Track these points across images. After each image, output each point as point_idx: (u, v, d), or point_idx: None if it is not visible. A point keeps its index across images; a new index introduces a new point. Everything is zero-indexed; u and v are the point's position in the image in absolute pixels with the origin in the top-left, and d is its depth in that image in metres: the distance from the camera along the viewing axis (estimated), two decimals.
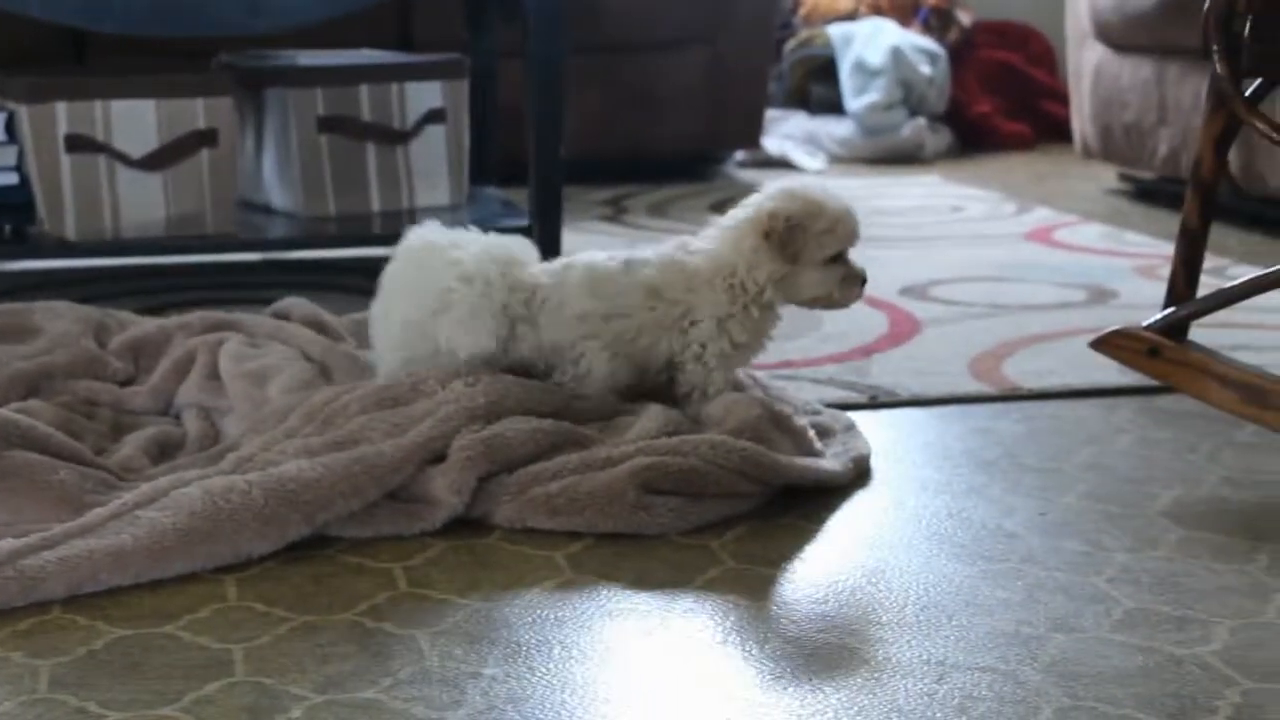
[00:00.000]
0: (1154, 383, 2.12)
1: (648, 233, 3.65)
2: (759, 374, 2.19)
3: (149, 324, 2.31)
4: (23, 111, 2.78)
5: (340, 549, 1.72)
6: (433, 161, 3.12)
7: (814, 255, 1.97)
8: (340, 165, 3.05)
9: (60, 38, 4.01)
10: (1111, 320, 2.36)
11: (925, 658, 1.45)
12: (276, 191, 3.09)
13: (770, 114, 4.85)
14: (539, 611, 1.55)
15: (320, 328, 2.30)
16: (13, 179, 2.81)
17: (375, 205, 3.09)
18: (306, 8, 2.79)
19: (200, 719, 1.33)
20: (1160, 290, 2.10)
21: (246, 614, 1.55)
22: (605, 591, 1.61)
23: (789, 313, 2.75)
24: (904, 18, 5.26)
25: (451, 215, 3.06)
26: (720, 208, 3.98)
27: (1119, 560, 1.68)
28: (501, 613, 1.55)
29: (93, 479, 1.79)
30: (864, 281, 2.02)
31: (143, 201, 2.83)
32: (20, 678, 1.41)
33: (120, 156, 2.80)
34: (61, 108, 2.76)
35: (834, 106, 5.09)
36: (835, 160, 4.93)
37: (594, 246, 3.39)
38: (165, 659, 1.45)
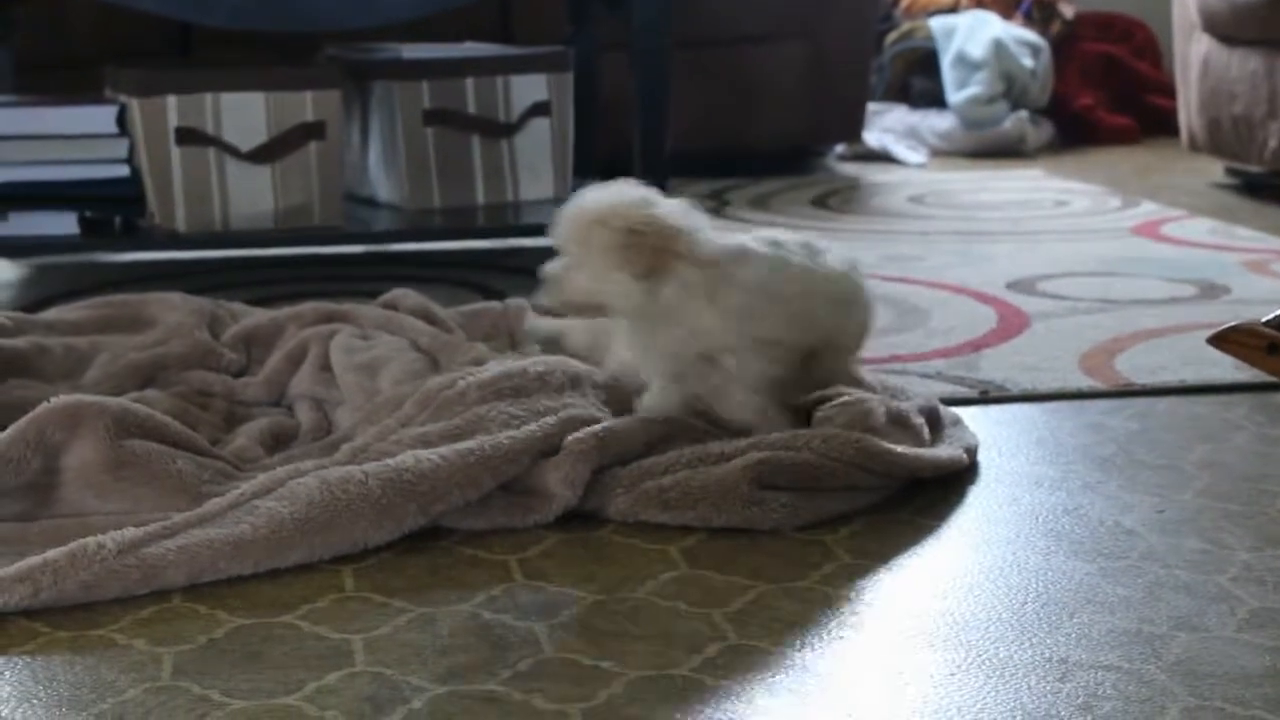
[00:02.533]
0: (1271, 379, 2.09)
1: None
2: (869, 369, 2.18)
3: (261, 315, 2.33)
4: (134, 105, 2.80)
5: (455, 540, 1.72)
6: (537, 154, 3.13)
7: None
8: (445, 158, 3.06)
9: (166, 31, 4.05)
10: (1223, 316, 2.33)
11: (1047, 656, 1.43)
12: (382, 184, 3.11)
13: (871, 107, 4.83)
14: (656, 605, 1.55)
15: (429, 318, 2.31)
16: (124, 171, 2.83)
17: (480, 198, 3.10)
18: (415, 3, 2.80)
19: (322, 709, 1.34)
20: (1272, 286, 2.07)
21: (364, 604, 1.56)
22: (723, 585, 1.60)
23: (895, 308, 2.75)
24: (1006, 10, 5.22)
25: (556, 209, 3.06)
26: (822, 201, 3.98)
27: (1241, 559, 1.65)
28: (619, 605, 1.55)
29: (210, 469, 1.80)
30: None
31: (251, 194, 2.85)
32: (144, 665, 1.42)
33: (230, 149, 2.82)
34: (172, 101, 2.79)
35: (935, 100, 5.06)
36: (936, 154, 4.90)
37: None
38: (285, 648, 1.46)
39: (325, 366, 2.14)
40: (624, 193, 1.88)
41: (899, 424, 1.92)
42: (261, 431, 1.99)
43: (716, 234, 1.94)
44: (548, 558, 1.68)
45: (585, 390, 1.95)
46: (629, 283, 1.83)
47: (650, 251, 1.82)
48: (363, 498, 1.68)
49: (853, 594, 1.58)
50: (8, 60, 3.25)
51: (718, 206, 3.92)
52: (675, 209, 1.88)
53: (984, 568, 1.64)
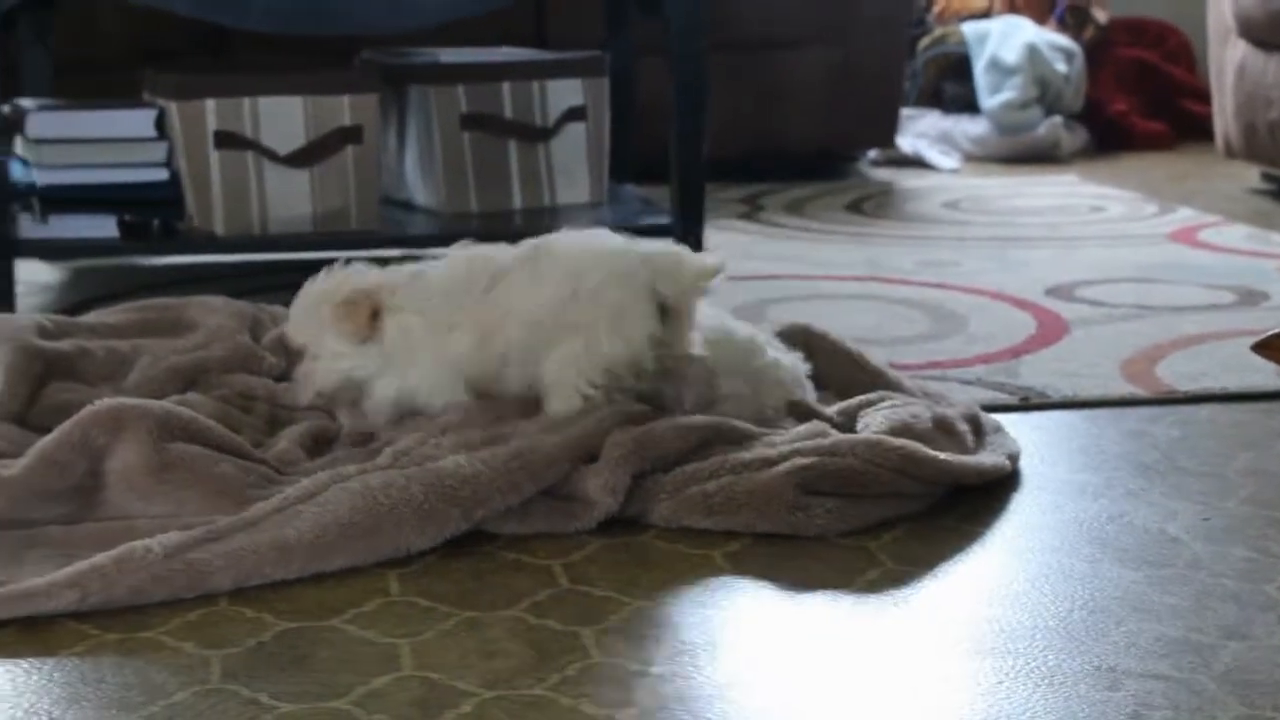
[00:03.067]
0: None
1: (785, 230, 3.64)
2: (907, 375, 2.18)
3: None
4: (173, 108, 2.81)
5: (498, 545, 1.72)
6: (573, 159, 3.13)
7: None
8: (482, 162, 3.06)
9: (199, 33, 4.06)
10: (1263, 323, 2.33)
11: (1096, 664, 1.42)
12: (419, 188, 3.11)
13: (903, 112, 4.81)
14: (702, 611, 1.55)
15: None
16: (162, 175, 2.83)
17: (516, 202, 3.10)
18: (449, 6, 2.81)
19: (371, 713, 1.34)
20: None
21: (410, 609, 1.56)
22: (767, 592, 1.60)
23: (933, 314, 2.75)
24: (1039, 15, 5.21)
25: (592, 213, 3.07)
26: (857, 206, 3.98)
27: None
28: (664, 611, 1.55)
29: (254, 473, 1.81)
30: None
31: (289, 197, 2.86)
32: (192, 668, 1.43)
33: (268, 153, 2.83)
34: (211, 105, 2.80)
35: (968, 105, 5.04)
36: (969, 159, 4.89)
37: (733, 245, 3.41)
38: (332, 652, 1.46)
39: None
40: (333, 276, 1.99)
41: (943, 430, 1.91)
42: (302, 435, 1.99)
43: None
44: (591, 563, 1.68)
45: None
46: (357, 348, 1.96)
47: (366, 312, 1.94)
48: (405, 503, 1.68)
49: (899, 600, 1.58)
50: (45, 62, 3.26)
51: (751, 211, 3.91)
52: (386, 273, 1.99)
53: (1029, 575, 1.64)
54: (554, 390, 1.90)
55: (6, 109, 2.82)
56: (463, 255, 2.01)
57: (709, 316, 1.98)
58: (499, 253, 2.00)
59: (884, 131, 4.56)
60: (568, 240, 1.99)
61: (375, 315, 1.95)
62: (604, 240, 1.99)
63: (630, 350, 1.89)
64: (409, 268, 2.02)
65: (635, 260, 1.93)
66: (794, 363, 2.03)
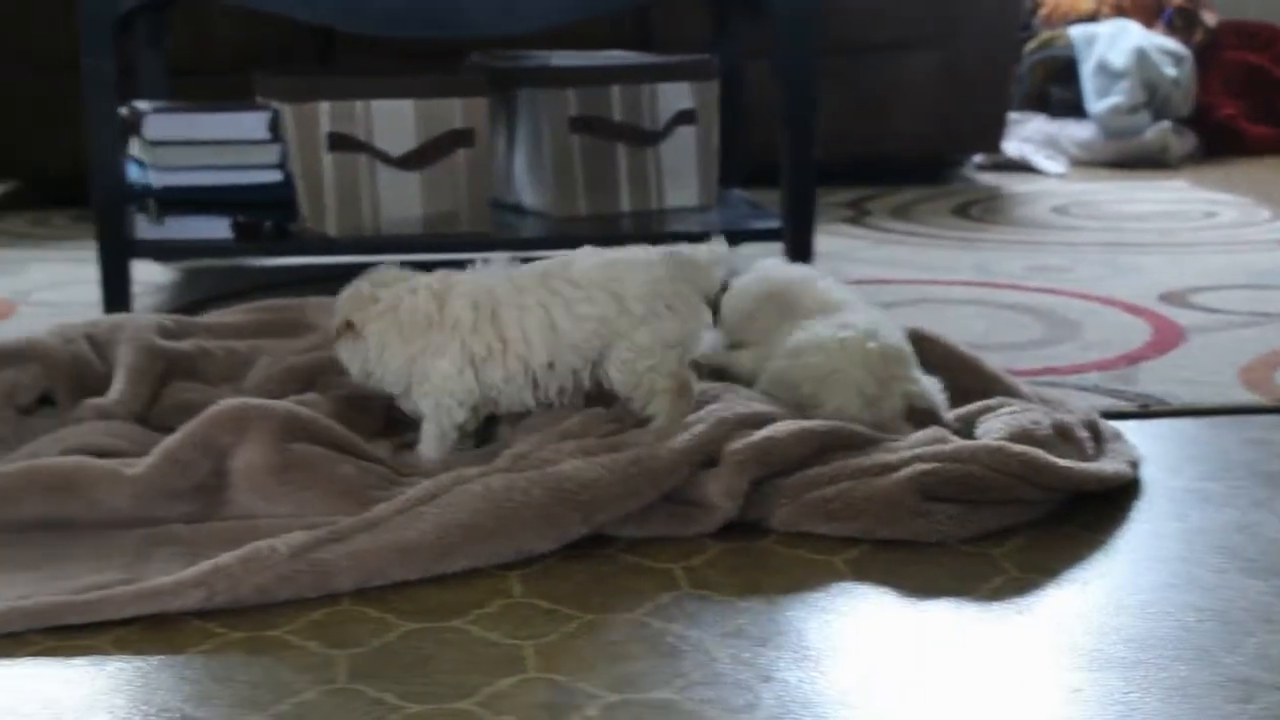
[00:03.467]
0: None
1: (892, 235, 3.62)
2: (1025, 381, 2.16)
3: None
4: (287, 111, 2.83)
5: (619, 548, 1.72)
6: (682, 162, 3.13)
7: None
8: (591, 165, 3.07)
9: (309, 37, 4.10)
10: None
11: (1228, 676, 1.40)
12: (528, 191, 3.12)
13: (1009, 116, 4.78)
14: (825, 616, 1.54)
15: None
16: (276, 176, 2.86)
17: (625, 205, 3.10)
18: (560, 9, 2.81)
19: (498, 714, 1.34)
20: None
21: (533, 611, 1.56)
22: (889, 598, 1.59)
23: (1045, 320, 2.73)
24: (1148, 18, 5.16)
25: (701, 217, 3.07)
26: (964, 211, 3.95)
27: None
28: (787, 616, 1.54)
29: (374, 473, 1.82)
30: None
31: (401, 199, 2.87)
32: (319, 667, 1.44)
33: (380, 155, 2.84)
34: (324, 107, 2.82)
35: (1075, 109, 5.00)
36: (1075, 164, 4.85)
37: (840, 249, 3.40)
38: (457, 653, 1.46)
39: None
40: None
41: (1063, 437, 1.89)
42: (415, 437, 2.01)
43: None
44: (712, 567, 1.67)
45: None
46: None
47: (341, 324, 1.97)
48: (527, 505, 1.69)
49: (1023, 608, 1.56)
50: (159, 64, 3.30)
51: (857, 215, 3.90)
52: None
53: (1155, 584, 1.62)
54: (633, 390, 1.90)
55: (124, 111, 2.85)
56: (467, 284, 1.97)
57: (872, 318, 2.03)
58: (498, 284, 1.95)
59: (991, 136, 4.53)
60: (584, 261, 1.96)
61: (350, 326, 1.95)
62: (621, 254, 1.97)
63: (690, 329, 1.91)
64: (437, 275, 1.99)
65: (665, 262, 1.94)
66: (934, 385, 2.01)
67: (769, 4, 2.82)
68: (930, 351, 2.15)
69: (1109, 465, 1.88)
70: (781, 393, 1.99)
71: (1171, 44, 5.01)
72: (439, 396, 1.91)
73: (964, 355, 2.16)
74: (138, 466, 1.76)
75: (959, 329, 2.57)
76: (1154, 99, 4.88)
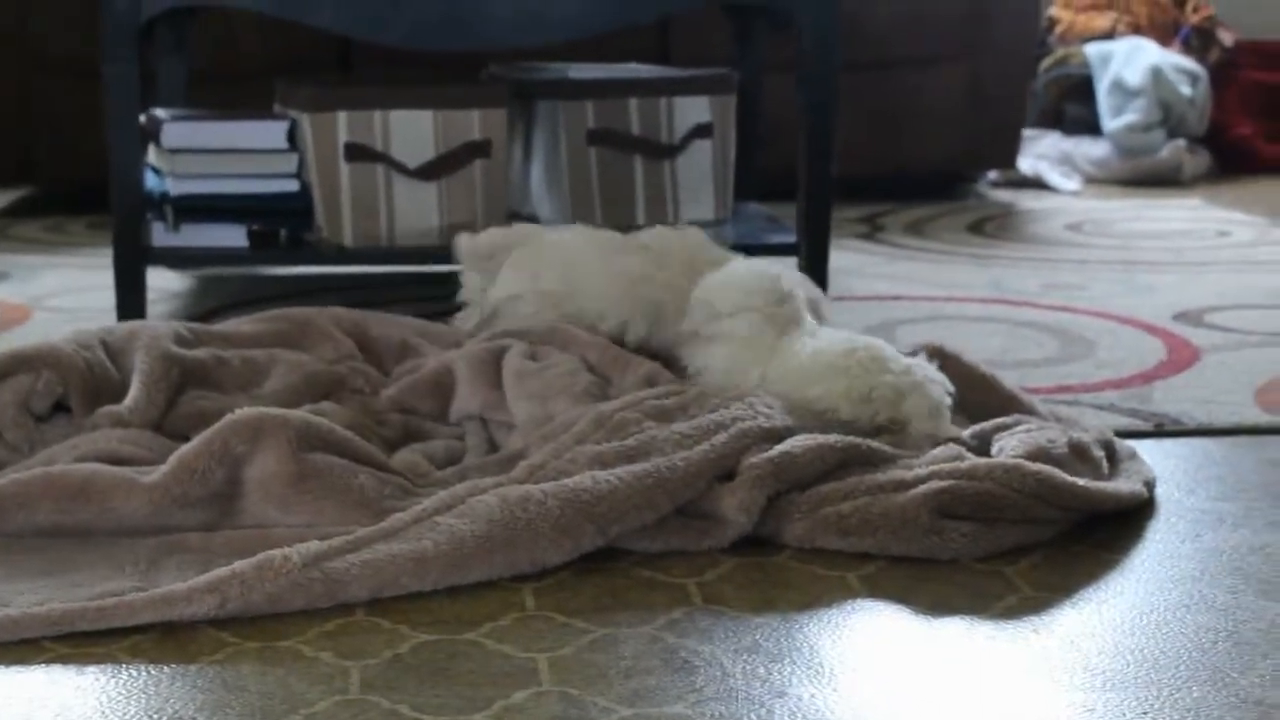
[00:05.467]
0: None
1: (906, 251, 3.62)
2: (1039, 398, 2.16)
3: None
4: (305, 120, 2.84)
5: (632, 561, 1.72)
6: (698, 176, 3.13)
7: None
8: (608, 178, 3.07)
9: (328, 45, 4.10)
10: None
11: (1243, 697, 1.40)
12: (544, 202, 3.12)
13: (1024, 133, 4.78)
14: (839, 632, 1.54)
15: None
16: (293, 186, 2.87)
17: (641, 219, 3.10)
18: (582, 22, 2.81)
19: None
20: None
21: (546, 623, 1.56)
22: (904, 615, 1.59)
23: (1060, 337, 2.72)
24: (1164, 37, 5.16)
25: (716, 231, 3.06)
26: (978, 227, 3.95)
27: None
28: (801, 632, 1.54)
29: (390, 484, 1.82)
30: None
31: (417, 210, 2.87)
32: (332, 678, 1.44)
33: (397, 166, 2.85)
34: (342, 117, 2.82)
35: (1089, 127, 5.00)
36: (1090, 181, 4.85)
37: (855, 265, 3.40)
38: (471, 665, 1.46)
39: (496, 385, 2.14)
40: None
41: (1079, 456, 1.89)
42: (431, 449, 2.01)
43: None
44: (726, 582, 1.67)
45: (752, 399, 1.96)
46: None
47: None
48: (542, 517, 1.69)
49: (1038, 627, 1.56)
50: (180, 71, 3.31)
51: (871, 231, 3.90)
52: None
53: (1169, 605, 1.61)
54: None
55: (143, 119, 2.86)
56: None
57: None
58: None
59: (1006, 152, 4.53)
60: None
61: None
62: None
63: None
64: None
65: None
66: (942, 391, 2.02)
67: (793, 19, 2.82)
68: (949, 369, 2.15)
69: (1124, 485, 1.88)
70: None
71: (1187, 63, 5.01)
72: None
73: (982, 373, 2.16)
74: (153, 474, 1.77)
75: (975, 346, 2.57)
76: (1169, 117, 4.88)
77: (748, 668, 1.46)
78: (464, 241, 2.45)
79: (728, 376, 2.05)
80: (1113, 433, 2.07)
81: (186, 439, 1.86)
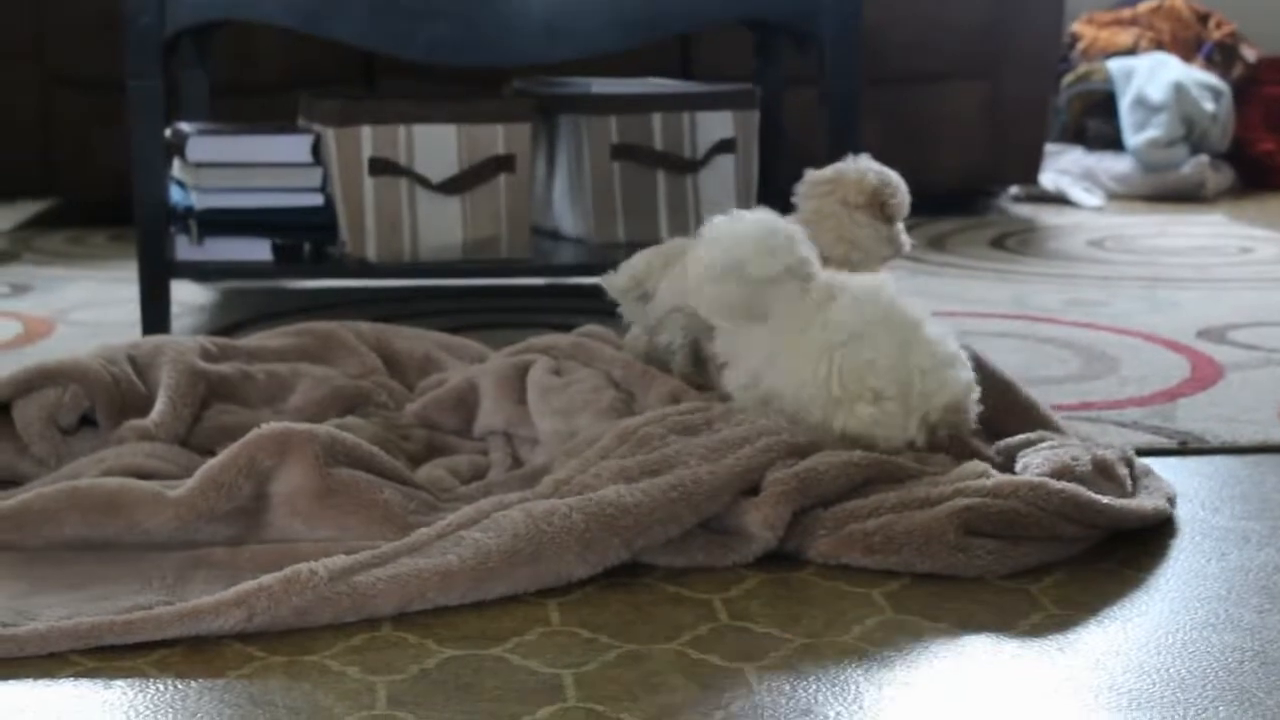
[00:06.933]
0: None
1: (928, 266, 3.62)
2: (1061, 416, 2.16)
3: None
4: (329, 135, 2.85)
5: (657, 577, 1.72)
6: (721, 191, 3.13)
7: None
8: (631, 193, 3.07)
9: (351, 59, 4.11)
10: None
11: (1269, 717, 1.40)
12: (567, 217, 3.13)
13: (1046, 148, 4.78)
14: (865, 650, 1.54)
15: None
16: (317, 200, 2.87)
17: (664, 233, 3.10)
18: (605, 37, 2.82)
19: None
20: None
21: (571, 639, 1.56)
22: (929, 632, 1.59)
23: (1083, 354, 2.72)
24: (1186, 53, 5.15)
25: None
26: (1000, 243, 3.95)
27: None
28: (826, 649, 1.54)
29: (415, 499, 1.82)
30: None
31: (441, 225, 2.88)
32: (358, 693, 1.44)
33: (421, 180, 2.85)
34: (367, 131, 2.83)
35: (1112, 142, 5.00)
36: (1112, 197, 4.84)
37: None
38: (497, 681, 1.47)
39: (520, 400, 2.14)
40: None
41: (1104, 473, 1.89)
42: (455, 464, 2.01)
43: None
44: (751, 598, 1.67)
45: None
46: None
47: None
48: (567, 531, 1.69)
49: (1063, 646, 1.56)
50: (203, 85, 3.32)
51: None
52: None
53: (1196, 624, 1.61)
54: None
55: (167, 133, 2.87)
56: None
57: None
58: None
59: (1028, 167, 4.53)
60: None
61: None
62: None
63: None
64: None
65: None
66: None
67: (815, 35, 2.82)
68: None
69: (1148, 502, 1.88)
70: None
71: (1210, 78, 5.00)
72: None
73: (1008, 384, 2.15)
74: (179, 489, 1.77)
75: (997, 362, 2.56)
76: (1191, 133, 4.88)
77: (773, 684, 1.46)
78: (606, 284, 2.37)
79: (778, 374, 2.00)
80: (1132, 449, 2.06)
81: (212, 453, 1.87)
